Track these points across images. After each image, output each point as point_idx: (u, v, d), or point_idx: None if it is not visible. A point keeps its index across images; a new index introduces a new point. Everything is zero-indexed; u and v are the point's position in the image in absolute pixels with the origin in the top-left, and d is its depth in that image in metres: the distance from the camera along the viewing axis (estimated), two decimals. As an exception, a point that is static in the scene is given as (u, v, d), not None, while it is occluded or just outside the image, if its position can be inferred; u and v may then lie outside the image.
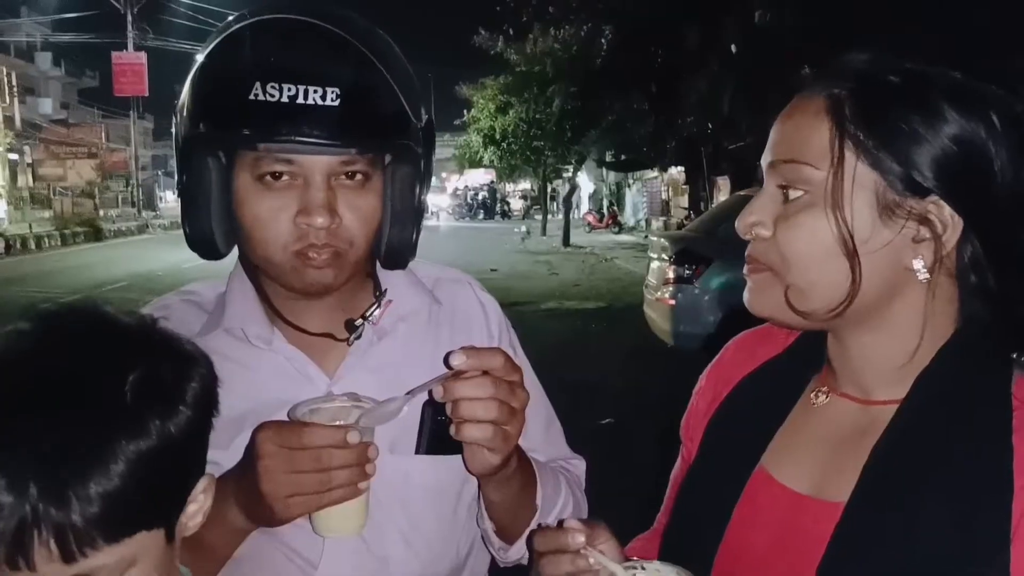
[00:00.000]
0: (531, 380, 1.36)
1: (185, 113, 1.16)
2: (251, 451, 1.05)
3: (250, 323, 1.24)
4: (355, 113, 1.10)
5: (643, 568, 0.93)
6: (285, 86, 1.07)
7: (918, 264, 0.91)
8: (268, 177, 1.12)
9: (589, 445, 1.33)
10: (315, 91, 1.07)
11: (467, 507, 1.30)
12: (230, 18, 1.18)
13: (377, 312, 1.26)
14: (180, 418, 0.85)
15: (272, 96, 1.07)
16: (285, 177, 1.12)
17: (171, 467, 0.85)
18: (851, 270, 0.91)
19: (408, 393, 1.09)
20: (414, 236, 1.25)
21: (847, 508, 0.91)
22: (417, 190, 1.23)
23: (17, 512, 0.77)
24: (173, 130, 1.20)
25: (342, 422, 1.07)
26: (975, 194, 0.89)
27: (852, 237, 0.90)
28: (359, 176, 1.15)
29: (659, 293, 8.39)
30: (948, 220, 0.90)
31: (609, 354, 9.43)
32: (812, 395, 1.04)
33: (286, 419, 1.10)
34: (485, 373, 1.06)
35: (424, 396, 1.22)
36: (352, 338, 1.25)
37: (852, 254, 0.91)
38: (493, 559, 1.36)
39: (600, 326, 11.70)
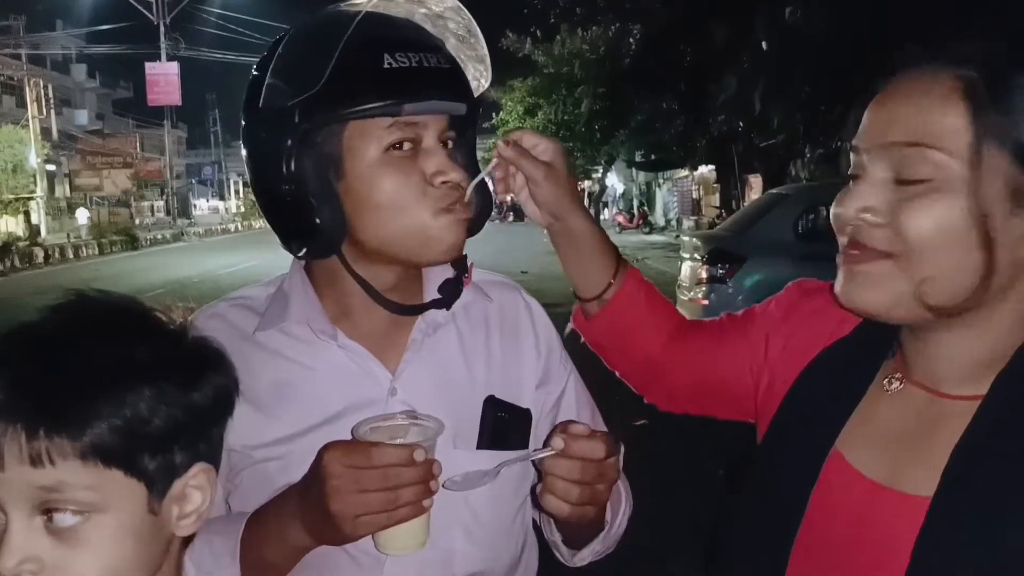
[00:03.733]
0: (576, 377, 1.42)
1: (297, 109, 1.15)
2: (318, 471, 1.06)
3: (315, 319, 1.25)
4: (459, 74, 1.24)
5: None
6: (410, 54, 1.16)
7: None
8: (392, 149, 1.17)
9: (624, 446, 1.35)
10: (430, 56, 1.18)
11: (522, 501, 1.33)
12: (315, 17, 1.25)
13: (467, 275, 1.31)
14: (196, 396, 0.88)
15: (403, 63, 1.15)
16: (407, 146, 1.18)
17: (164, 427, 0.85)
18: (989, 260, 0.89)
19: (500, 465, 1.14)
20: (491, 199, 1.32)
21: (933, 507, 0.89)
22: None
23: None
24: (255, 134, 1.20)
25: (401, 440, 1.08)
26: None
27: (989, 226, 0.88)
28: (451, 143, 1.23)
29: (692, 293, 8.35)
30: None
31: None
32: (885, 381, 1.03)
33: (350, 431, 1.11)
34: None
35: (484, 393, 1.26)
36: (451, 301, 1.29)
37: (990, 243, 0.88)
38: (541, 550, 1.39)
39: (632, 327, 11.62)
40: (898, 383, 1.01)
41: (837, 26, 9.63)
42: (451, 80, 1.20)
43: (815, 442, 1.04)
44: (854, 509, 0.98)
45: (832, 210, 0.98)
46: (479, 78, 1.32)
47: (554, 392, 1.36)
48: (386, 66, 1.14)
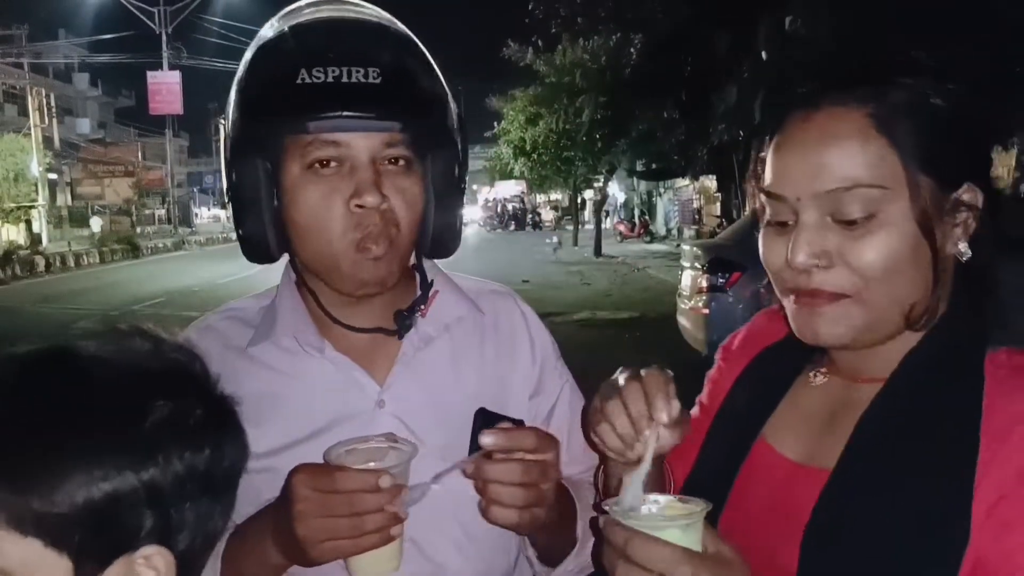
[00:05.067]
0: (571, 387, 1.40)
1: (234, 116, 1.19)
2: (286, 493, 1.05)
3: (302, 331, 1.25)
4: (396, 90, 1.14)
5: (656, 502, 0.91)
6: (329, 68, 1.11)
7: (963, 245, 0.98)
8: (317, 165, 1.14)
9: None
10: (357, 71, 1.12)
11: None
12: (269, 23, 1.24)
13: (421, 309, 1.28)
14: (152, 472, 0.79)
15: (318, 78, 1.11)
16: (333, 164, 1.15)
17: (101, 500, 0.76)
18: (936, 265, 0.97)
19: (436, 477, 1.10)
20: (458, 223, 1.27)
21: (833, 474, 0.98)
22: (457, 176, 1.25)
23: None
24: (220, 142, 1.23)
25: (376, 464, 1.07)
26: (988, 174, 1.01)
27: (936, 244, 0.97)
28: (401, 161, 1.17)
29: (692, 302, 8.33)
30: (978, 199, 0.98)
31: (642, 364, 9.34)
32: (811, 376, 1.12)
33: (322, 454, 1.10)
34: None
35: (476, 405, 1.22)
36: (402, 331, 1.26)
37: (936, 252, 0.97)
38: None
39: (633, 336, 11.64)
40: (822, 376, 1.10)
41: (837, 35, 9.64)
42: (379, 96, 1.13)
43: (743, 432, 1.11)
44: (771, 488, 1.05)
45: (774, 261, 1.02)
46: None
47: (546, 403, 1.35)
48: (299, 81, 1.12)
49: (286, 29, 1.18)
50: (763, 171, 1.04)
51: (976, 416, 0.93)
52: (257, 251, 1.23)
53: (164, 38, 43.52)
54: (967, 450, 0.91)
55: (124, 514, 0.78)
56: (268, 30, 1.21)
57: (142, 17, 43.09)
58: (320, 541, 1.04)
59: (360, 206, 1.14)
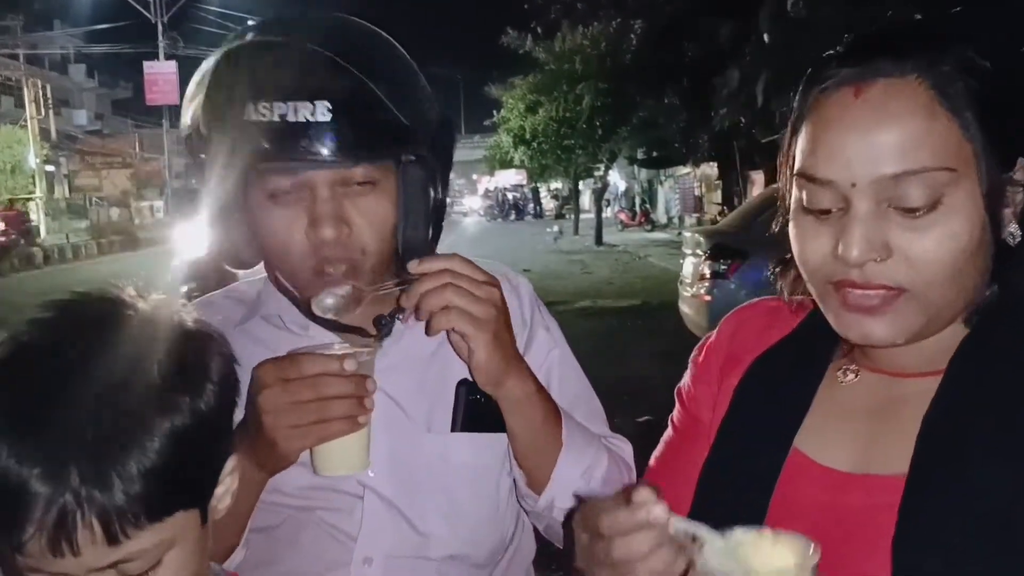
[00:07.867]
0: (568, 360, 1.39)
1: (192, 136, 1.18)
2: (252, 388, 1.06)
3: (287, 311, 1.27)
4: (349, 126, 1.10)
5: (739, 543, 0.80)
6: (276, 104, 1.07)
7: (1014, 227, 0.89)
8: (276, 193, 1.14)
9: (631, 443, 1.35)
10: (305, 107, 1.07)
11: (508, 487, 1.30)
12: (227, 39, 1.22)
13: (402, 316, 1.25)
14: (208, 394, 0.86)
15: (264, 115, 1.07)
16: (292, 192, 1.13)
17: (203, 443, 0.86)
18: (991, 263, 0.89)
19: (361, 289, 1.15)
20: (429, 236, 1.23)
21: (910, 479, 0.88)
22: (430, 190, 1.21)
23: (58, 499, 0.77)
24: (187, 149, 1.22)
25: None
26: None
27: (998, 230, 0.88)
28: (368, 183, 1.15)
29: (694, 289, 8.32)
30: None
31: (645, 352, 9.36)
32: (839, 374, 1.00)
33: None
34: None
35: (459, 376, 1.23)
36: (381, 336, 1.24)
37: (1000, 249, 0.88)
38: (539, 541, 1.38)
39: (635, 324, 11.65)
40: (853, 375, 0.99)
41: (840, 17, 9.59)
42: (329, 134, 1.09)
43: (772, 444, 0.99)
44: (822, 503, 0.94)
45: (815, 252, 0.91)
46: None
47: (533, 362, 1.29)
48: (246, 117, 1.09)
49: (238, 52, 1.15)
50: (796, 152, 0.92)
51: None
52: (230, 261, 1.24)
53: (160, 28, 43.42)
54: None
55: (212, 443, 0.88)
56: (225, 44, 1.19)
57: (137, 7, 42.95)
58: (286, 428, 1.05)
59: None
